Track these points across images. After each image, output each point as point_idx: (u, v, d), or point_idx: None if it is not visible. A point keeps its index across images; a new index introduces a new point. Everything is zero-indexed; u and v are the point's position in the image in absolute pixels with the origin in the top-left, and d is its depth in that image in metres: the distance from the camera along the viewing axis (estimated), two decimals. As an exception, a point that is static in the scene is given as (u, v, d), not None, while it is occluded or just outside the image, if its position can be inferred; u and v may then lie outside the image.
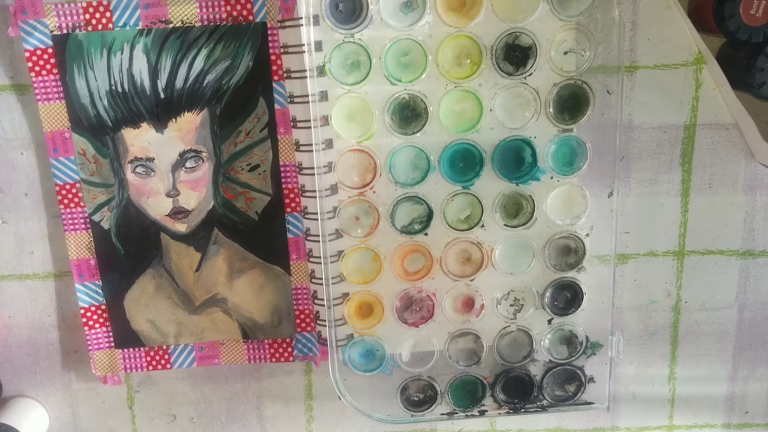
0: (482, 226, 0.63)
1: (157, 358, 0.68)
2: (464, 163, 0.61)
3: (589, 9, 0.57)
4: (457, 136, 0.61)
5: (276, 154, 0.63)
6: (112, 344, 0.67)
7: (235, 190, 0.64)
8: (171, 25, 0.59)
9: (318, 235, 0.62)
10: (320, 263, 0.63)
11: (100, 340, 0.67)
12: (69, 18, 0.59)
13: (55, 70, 0.60)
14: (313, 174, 0.61)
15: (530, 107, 0.60)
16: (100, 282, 0.65)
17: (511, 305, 0.65)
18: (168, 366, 0.68)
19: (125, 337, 0.67)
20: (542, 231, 0.63)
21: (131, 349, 0.67)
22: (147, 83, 0.60)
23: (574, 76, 0.59)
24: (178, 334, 0.67)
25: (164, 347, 0.68)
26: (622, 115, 0.62)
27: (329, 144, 0.61)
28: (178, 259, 0.65)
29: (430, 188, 0.62)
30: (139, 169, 0.63)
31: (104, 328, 0.67)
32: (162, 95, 0.61)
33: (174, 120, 0.61)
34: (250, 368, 0.69)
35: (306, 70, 0.59)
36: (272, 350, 0.68)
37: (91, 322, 0.66)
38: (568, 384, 0.67)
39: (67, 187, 0.63)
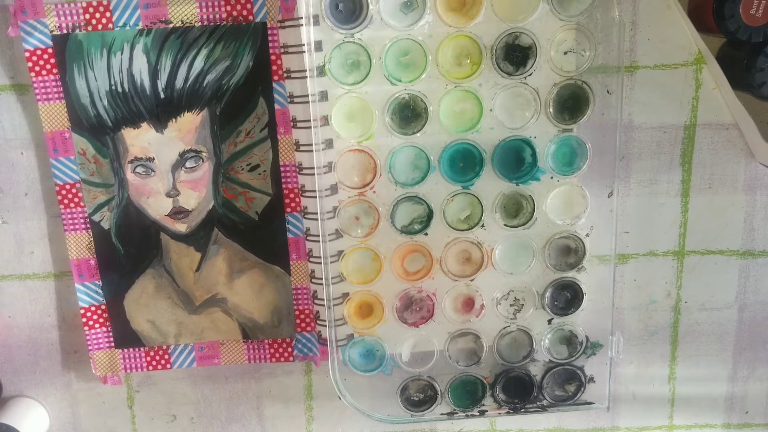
0: (482, 226, 0.63)
1: (157, 358, 0.68)
2: (464, 163, 0.61)
3: (589, 9, 0.57)
4: (457, 136, 0.61)
5: (276, 154, 0.63)
6: (112, 344, 0.67)
7: (235, 190, 0.64)
8: (171, 25, 0.59)
9: (318, 235, 0.62)
10: (320, 263, 0.63)
11: (100, 340, 0.67)
12: (69, 18, 0.59)
13: (55, 70, 0.60)
14: (313, 174, 0.61)
15: (530, 107, 0.60)
16: (100, 282, 0.65)
17: (511, 305, 0.65)
18: (168, 366, 0.68)
19: (125, 337, 0.67)
20: (542, 231, 0.63)
21: (131, 349, 0.67)
22: (147, 83, 0.60)
23: (574, 76, 0.59)
24: (178, 334, 0.67)
25: (164, 347, 0.68)
26: (622, 115, 0.62)
27: (329, 144, 0.61)
28: (178, 259, 0.65)
29: (430, 188, 0.62)
30: (139, 169, 0.63)
31: (104, 328, 0.67)
32: (162, 95, 0.61)
33: (174, 120, 0.61)
34: (250, 368, 0.69)
35: (306, 70, 0.59)
36: (272, 350, 0.68)
37: (91, 322, 0.66)
38: (568, 384, 0.67)
39: (67, 187, 0.63)
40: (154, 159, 0.62)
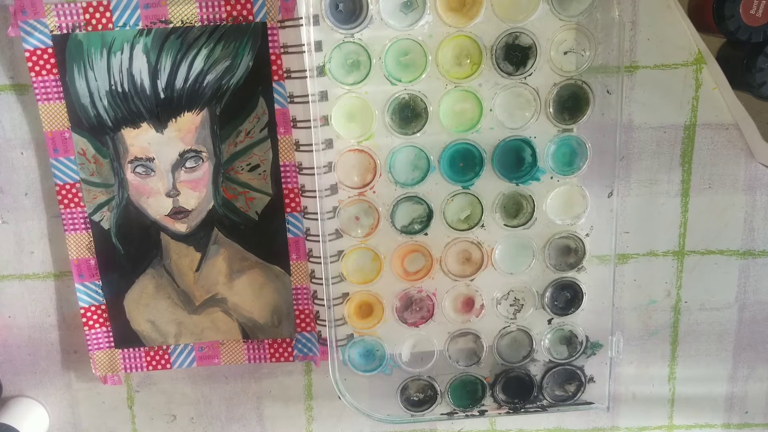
0: (482, 226, 0.63)
1: (157, 358, 0.68)
2: (464, 163, 0.61)
3: (589, 9, 0.57)
4: (457, 136, 0.61)
5: (276, 154, 0.63)
6: (112, 344, 0.67)
7: (235, 190, 0.64)
8: (171, 25, 0.59)
9: (318, 235, 0.62)
10: (320, 263, 0.63)
11: (100, 340, 0.67)
12: (69, 18, 0.59)
13: (55, 70, 0.60)
14: (313, 174, 0.61)
15: (530, 107, 0.60)
16: (100, 282, 0.65)
17: (511, 305, 0.65)
18: (168, 366, 0.68)
19: (125, 337, 0.67)
20: (542, 231, 0.63)
21: (131, 349, 0.67)
22: (147, 83, 0.60)
23: (574, 76, 0.59)
24: (178, 334, 0.67)
25: (164, 347, 0.68)
26: (622, 115, 0.62)
27: (329, 144, 0.61)
28: (178, 259, 0.65)
29: (430, 188, 0.62)
30: (139, 169, 0.63)
31: (104, 328, 0.67)
32: (162, 95, 0.61)
33: (174, 120, 0.61)
34: (250, 368, 0.69)
35: (306, 70, 0.59)
36: (272, 350, 0.68)
37: (91, 322, 0.66)
38: (568, 384, 0.67)
39: (67, 187, 0.63)
40: (154, 159, 0.62)
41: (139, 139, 0.62)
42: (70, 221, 0.64)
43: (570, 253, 0.64)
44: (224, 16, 0.59)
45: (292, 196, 0.64)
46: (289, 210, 0.64)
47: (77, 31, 0.59)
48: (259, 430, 0.71)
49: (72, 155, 0.62)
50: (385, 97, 0.59)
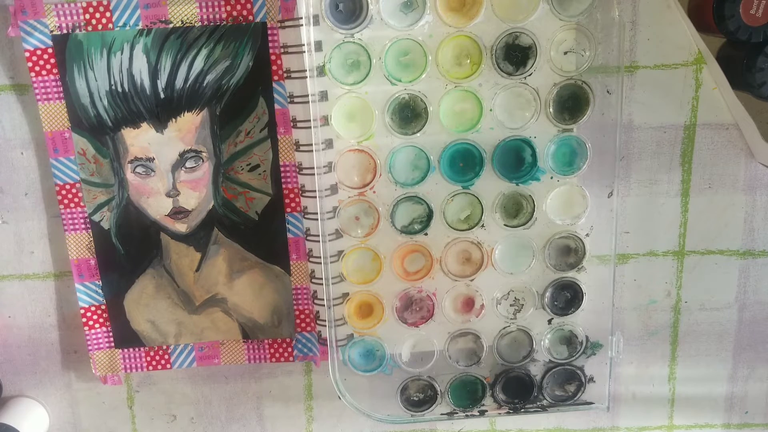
0: (482, 226, 0.63)
1: (157, 358, 0.68)
2: (464, 163, 0.61)
3: (589, 9, 0.57)
4: (457, 136, 0.61)
5: (276, 154, 0.63)
6: (112, 344, 0.67)
7: (235, 190, 0.64)
8: (171, 25, 0.59)
9: (318, 235, 0.62)
10: (320, 263, 0.63)
11: (100, 340, 0.67)
12: (69, 18, 0.59)
13: (55, 70, 0.60)
14: (313, 174, 0.61)
15: (530, 107, 0.60)
16: (100, 282, 0.65)
17: (511, 305, 0.65)
18: (168, 366, 0.68)
19: (125, 337, 0.67)
20: (542, 231, 0.63)
21: (131, 349, 0.67)
22: (147, 83, 0.60)
23: (574, 76, 0.59)
24: (178, 334, 0.67)
25: (164, 347, 0.68)
26: (622, 115, 0.62)
27: (329, 144, 0.61)
28: (178, 259, 0.65)
29: (430, 188, 0.62)
30: (139, 169, 0.63)
31: (104, 328, 0.67)
32: (162, 95, 0.61)
33: (174, 120, 0.61)
34: (250, 368, 0.69)
35: (306, 70, 0.59)
36: (272, 350, 0.68)
37: (91, 322, 0.66)
38: (568, 384, 0.67)
39: (67, 187, 0.63)
40: (154, 159, 0.62)
41: (139, 139, 0.62)
42: (70, 221, 0.64)
43: (570, 253, 0.64)
44: (224, 16, 0.59)
45: (292, 196, 0.64)
46: (289, 210, 0.64)
47: (77, 31, 0.59)
48: (259, 430, 0.71)
49: (72, 155, 0.62)
50: (385, 97, 0.59)
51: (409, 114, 0.60)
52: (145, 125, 0.61)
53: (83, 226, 0.64)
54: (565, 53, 0.59)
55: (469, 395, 0.67)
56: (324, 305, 0.64)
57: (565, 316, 0.66)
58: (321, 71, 0.59)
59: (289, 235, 0.65)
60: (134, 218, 0.64)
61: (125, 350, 0.67)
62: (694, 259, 0.67)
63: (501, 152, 0.61)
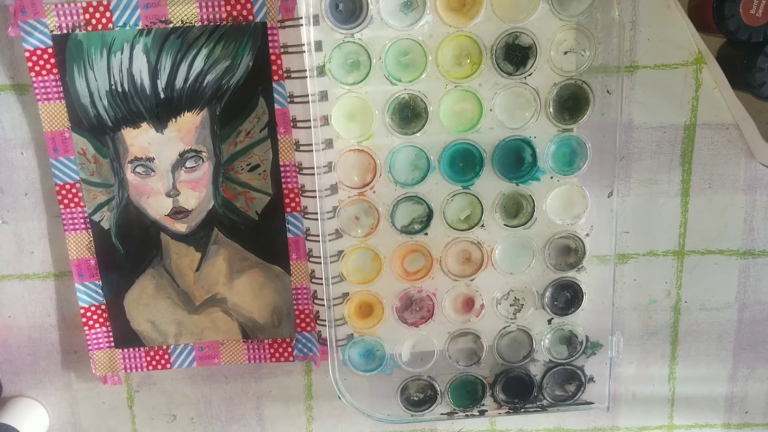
0: (482, 226, 0.63)
1: (157, 358, 0.68)
2: (464, 163, 0.61)
3: (589, 9, 0.57)
4: (457, 136, 0.61)
5: (276, 154, 0.63)
6: (112, 344, 0.67)
7: (235, 190, 0.64)
8: (171, 25, 0.59)
9: (318, 235, 0.62)
10: (320, 263, 0.63)
11: (100, 340, 0.67)
12: (69, 18, 0.59)
13: (55, 70, 0.60)
14: (313, 174, 0.61)
15: (530, 107, 0.60)
16: (100, 282, 0.65)
17: (511, 305, 0.65)
18: (168, 366, 0.68)
19: (125, 337, 0.67)
20: (542, 231, 0.63)
21: (131, 349, 0.67)
22: (147, 83, 0.60)
23: (574, 76, 0.59)
24: (178, 334, 0.67)
25: (164, 347, 0.68)
26: (622, 115, 0.62)
27: (329, 144, 0.61)
28: (178, 259, 0.65)
29: (430, 188, 0.62)
30: (139, 169, 0.63)
31: (104, 328, 0.67)
32: (162, 95, 0.61)
33: (174, 120, 0.61)
34: (250, 368, 0.69)
35: (306, 70, 0.59)
36: (272, 350, 0.68)
37: (91, 322, 0.66)
38: (568, 384, 0.67)
39: (67, 187, 0.63)
40: (154, 159, 0.62)
41: (139, 139, 0.62)
42: (70, 221, 0.64)
43: (570, 253, 0.64)
44: (224, 16, 0.59)
45: (292, 196, 0.64)
46: (289, 210, 0.64)
47: (77, 31, 0.59)
48: (259, 430, 0.71)
49: (72, 155, 0.62)
50: (385, 97, 0.59)
51: (409, 114, 0.60)
52: (145, 125, 0.61)
53: (83, 226, 0.64)
54: (565, 53, 0.59)
55: (469, 395, 0.67)
56: (324, 305, 0.64)
57: (565, 316, 0.66)
58: (321, 71, 0.59)
59: (289, 235, 0.65)
60: (134, 218, 0.64)
61: (125, 350, 0.67)
62: (694, 259, 0.67)
63: (501, 152, 0.61)
